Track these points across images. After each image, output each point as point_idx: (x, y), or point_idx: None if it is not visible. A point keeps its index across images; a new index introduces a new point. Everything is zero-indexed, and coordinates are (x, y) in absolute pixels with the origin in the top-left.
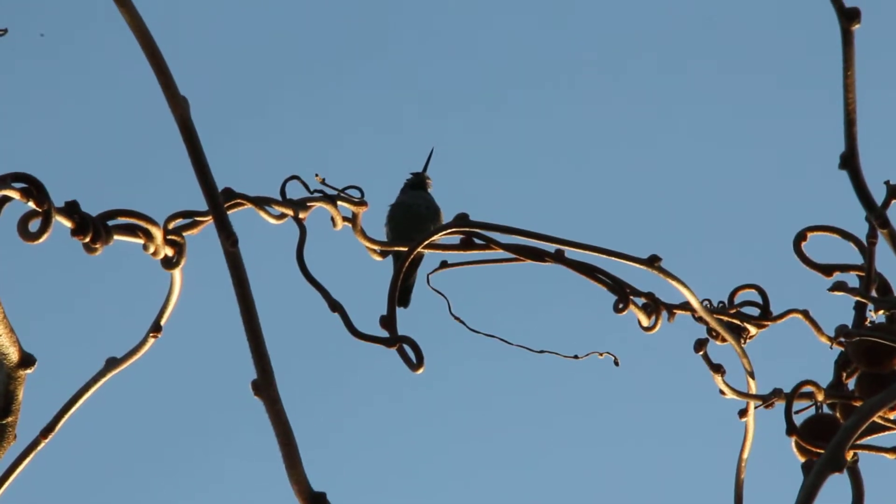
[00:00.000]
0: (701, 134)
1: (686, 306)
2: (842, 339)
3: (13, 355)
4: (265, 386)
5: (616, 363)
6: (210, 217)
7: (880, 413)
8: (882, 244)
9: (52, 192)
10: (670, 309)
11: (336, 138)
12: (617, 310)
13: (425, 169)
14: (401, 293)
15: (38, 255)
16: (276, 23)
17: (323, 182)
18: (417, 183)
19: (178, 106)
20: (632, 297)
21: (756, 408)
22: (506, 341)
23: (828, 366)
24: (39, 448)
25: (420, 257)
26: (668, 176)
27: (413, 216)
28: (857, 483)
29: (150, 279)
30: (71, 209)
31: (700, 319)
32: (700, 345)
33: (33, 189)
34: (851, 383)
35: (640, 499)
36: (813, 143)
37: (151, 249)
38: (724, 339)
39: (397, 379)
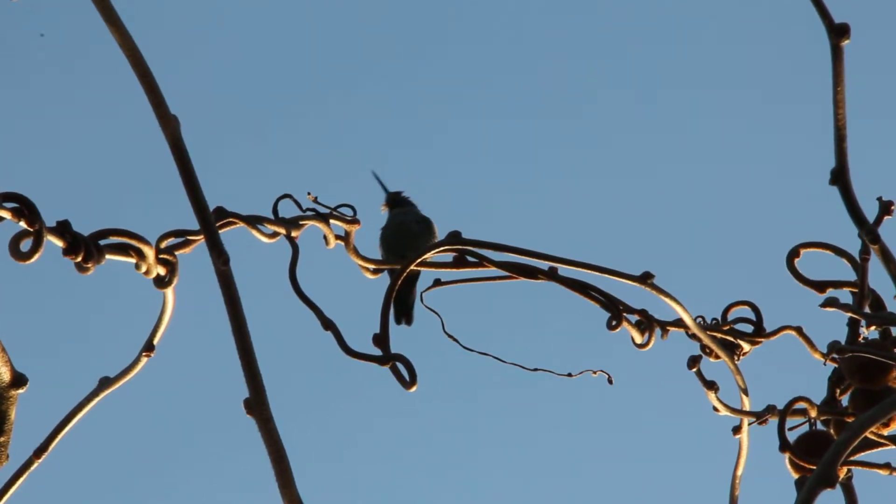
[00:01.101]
0: (692, 150)
1: (679, 323)
2: (835, 356)
3: (5, 375)
4: (257, 405)
5: (610, 381)
6: (202, 236)
7: (873, 429)
8: (875, 260)
9: (43, 211)
10: (664, 326)
11: (328, 157)
12: (610, 327)
13: (386, 189)
14: (403, 311)
15: (30, 274)
16: (266, 42)
17: (315, 200)
18: (396, 202)
19: (169, 125)
20: (625, 314)
21: (750, 424)
22: (499, 359)
23: (821, 382)
24: (33, 468)
25: (416, 275)
26: (661, 193)
27: (404, 233)
28: (851, 499)
29: (143, 298)
30: (62, 229)
31: (693, 336)
32: (693, 361)
33: (24, 209)
34: (845, 400)
35: None
36: (804, 159)
37: (143, 269)
38: (717, 356)
39: (390, 397)
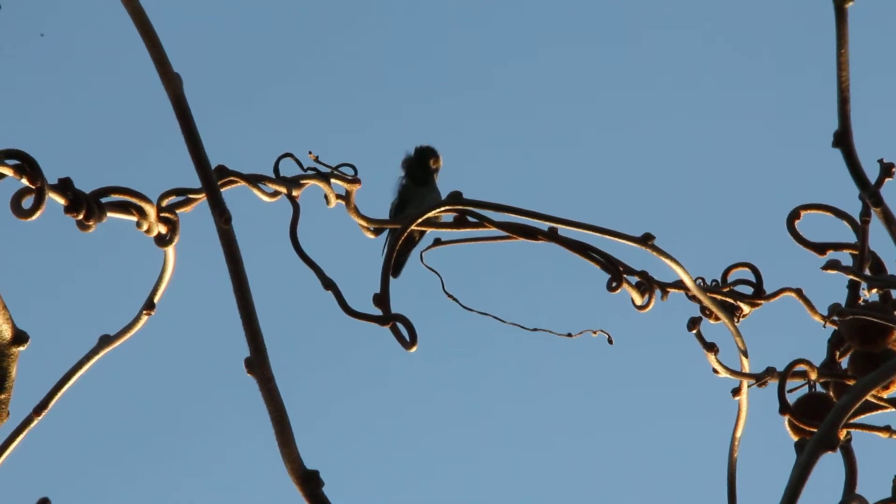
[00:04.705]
0: (694, 112)
1: (679, 285)
2: (835, 318)
3: (6, 332)
4: (258, 364)
5: (610, 341)
6: (203, 194)
7: (873, 392)
8: (876, 222)
9: (45, 169)
10: (664, 287)
11: (330, 116)
12: (610, 288)
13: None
14: (394, 265)
15: (32, 232)
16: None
17: (316, 160)
18: (421, 166)
19: (172, 83)
20: (625, 275)
21: (749, 386)
22: (499, 319)
23: (821, 344)
24: (32, 426)
25: (416, 236)
26: (662, 154)
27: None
28: (850, 462)
29: (144, 257)
30: (64, 186)
31: (693, 298)
32: (693, 323)
33: (26, 166)
34: (845, 362)
35: (633, 477)
36: (807, 122)
37: (145, 227)
38: (717, 318)
39: (391, 357)
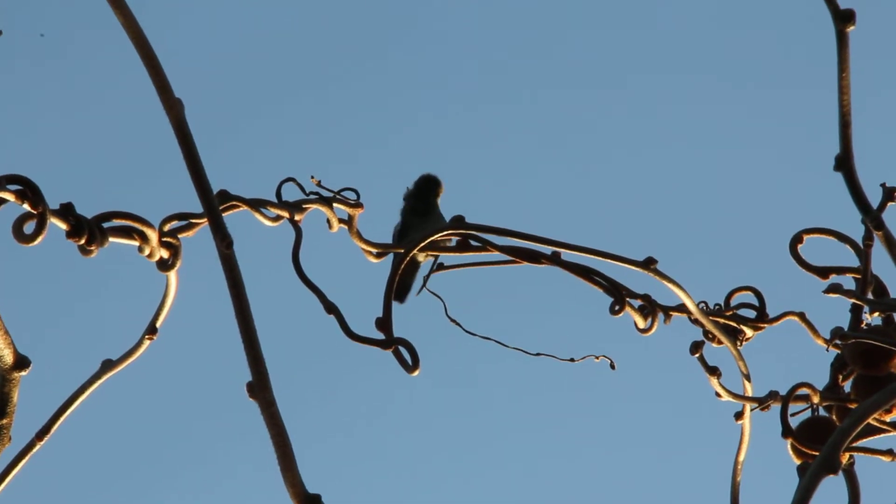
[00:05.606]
0: (696, 136)
1: (682, 308)
2: (838, 342)
3: (8, 357)
4: (260, 388)
5: (612, 366)
6: (205, 219)
7: (875, 415)
8: (878, 246)
9: (46, 194)
10: (666, 311)
11: (332, 140)
12: (613, 312)
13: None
14: (399, 290)
15: (33, 257)
16: (271, 24)
17: (319, 184)
18: (421, 197)
19: (173, 108)
20: (628, 299)
21: (752, 410)
22: (502, 343)
23: (824, 368)
24: (35, 451)
25: (421, 261)
26: (664, 178)
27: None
28: (853, 485)
29: (146, 281)
30: (66, 211)
31: (696, 322)
32: (696, 347)
33: (28, 191)
34: (847, 386)
35: (636, 501)
36: (808, 145)
37: (147, 251)
38: (720, 342)
39: (393, 381)
